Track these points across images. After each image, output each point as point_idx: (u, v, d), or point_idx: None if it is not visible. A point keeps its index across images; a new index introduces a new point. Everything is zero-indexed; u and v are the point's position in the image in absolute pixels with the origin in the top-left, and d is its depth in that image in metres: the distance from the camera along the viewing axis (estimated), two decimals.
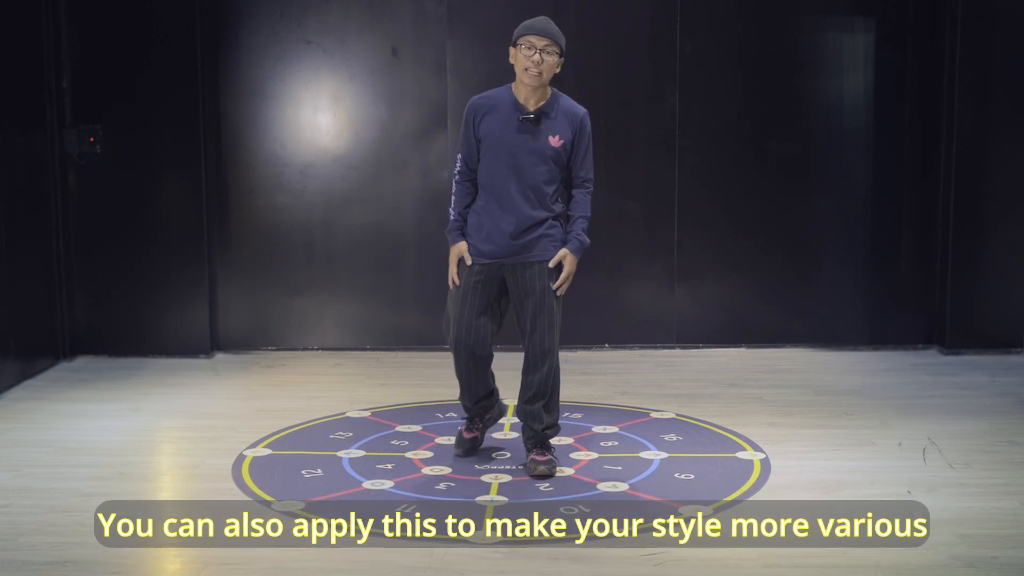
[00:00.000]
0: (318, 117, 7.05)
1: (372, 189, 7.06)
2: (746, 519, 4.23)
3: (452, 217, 4.75)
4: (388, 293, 7.15)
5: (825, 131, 7.05)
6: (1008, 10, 6.78)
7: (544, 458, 4.74)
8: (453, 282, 4.71)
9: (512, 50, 4.60)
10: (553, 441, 4.99)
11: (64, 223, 6.79)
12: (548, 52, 4.54)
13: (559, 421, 4.86)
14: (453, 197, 4.77)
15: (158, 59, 6.76)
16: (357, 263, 7.13)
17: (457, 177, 4.75)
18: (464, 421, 5.04)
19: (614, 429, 5.43)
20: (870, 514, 4.23)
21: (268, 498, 4.49)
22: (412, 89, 7.02)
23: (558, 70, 4.62)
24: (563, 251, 4.66)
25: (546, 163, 4.60)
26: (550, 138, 4.59)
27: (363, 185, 7.07)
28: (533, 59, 4.52)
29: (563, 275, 4.67)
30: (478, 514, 4.29)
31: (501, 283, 4.72)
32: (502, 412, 5.10)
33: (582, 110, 4.68)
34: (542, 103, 4.62)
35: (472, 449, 4.98)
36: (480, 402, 4.91)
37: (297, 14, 6.95)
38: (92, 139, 6.73)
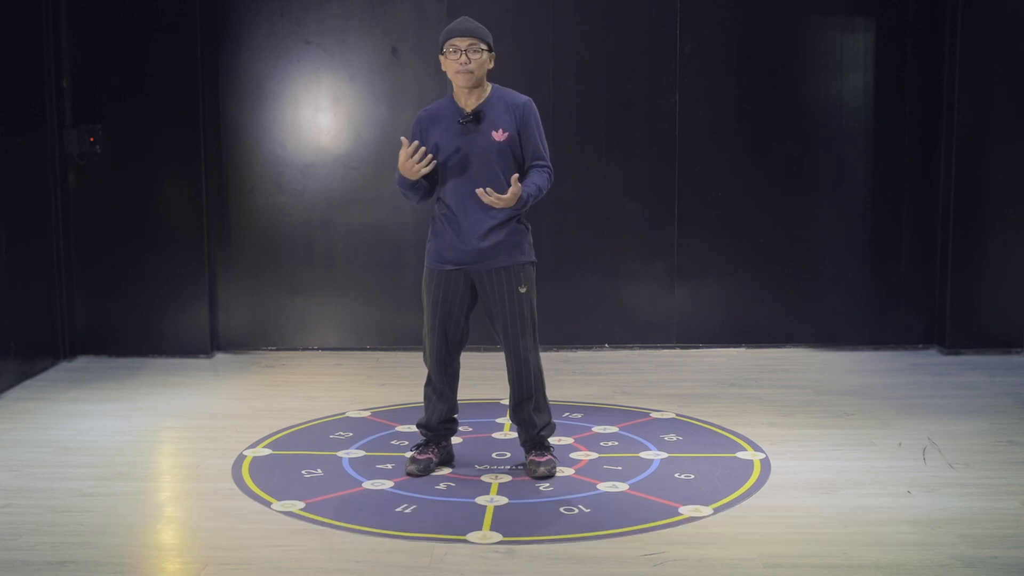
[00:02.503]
0: (318, 117, 7.05)
1: (372, 189, 7.07)
2: (746, 519, 4.24)
3: (398, 177, 4.56)
4: (388, 293, 7.15)
5: (825, 131, 7.05)
6: (1008, 10, 6.78)
7: (544, 459, 4.74)
8: (406, 149, 4.45)
9: (441, 59, 4.58)
10: (553, 441, 4.99)
11: (64, 223, 6.79)
12: (473, 50, 4.50)
13: (552, 419, 4.83)
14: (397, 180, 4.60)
15: (158, 59, 6.77)
16: (357, 263, 7.13)
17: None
18: (418, 446, 4.84)
19: (614, 429, 5.43)
20: (871, 514, 4.24)
21: (268, 498, 4.49)
22: (412, 89, 7.02)
23: (491, 65, 4.58)
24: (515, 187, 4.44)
25: (495, 159, 4.53)
26: (493, 133, 4.53)
27: (363, 185, 7.07)
28: (460, 61, 4.50)
29: (495, 195, 4.40)
30: (478, 514, 4.29)
31: (470, 288, 4.65)
32: (453, 457, 4.94)
33: (523, 98, 4.62)
34: (480, 101, 4.58)
35: (427, 469, 4.75)
36: (444, 423, 4.80)
37: (297, 14, 6.96)
38: (92, 139, 6.74)
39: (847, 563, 3.82)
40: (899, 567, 3.78)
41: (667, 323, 7.18)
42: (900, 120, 7.03)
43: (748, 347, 7.15)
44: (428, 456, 4.78)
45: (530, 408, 4.71)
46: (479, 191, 4.45)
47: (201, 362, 6.89)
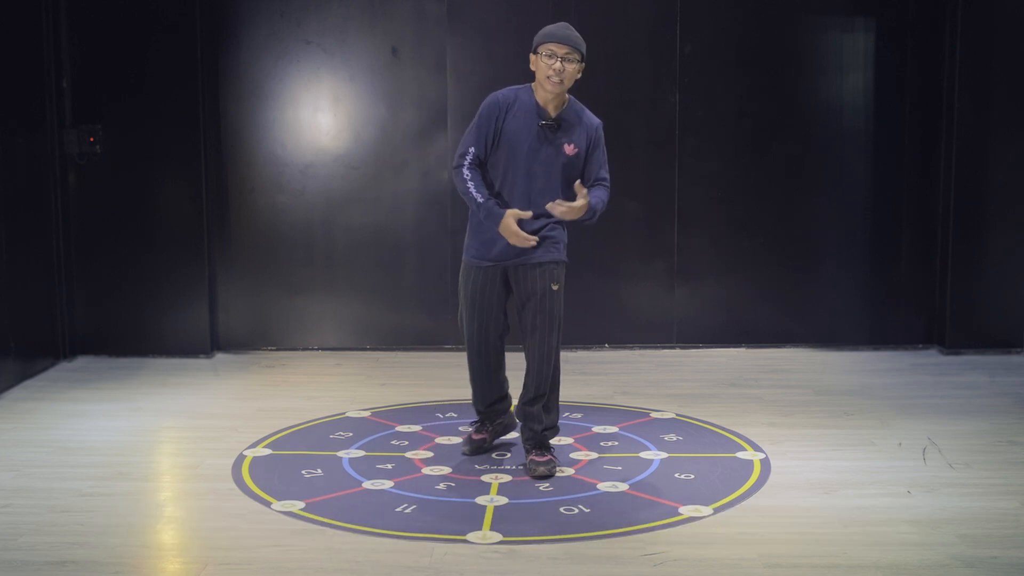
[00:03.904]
0: (318, 117, 7.05)
1: (372, 189, 7.06)
2: (746, 519, 4.24)
3: (482, 199, 4.53)
4: (388, 293, 7.15)
5: (825, 131, 7.05)
6: (1008, 10, 6.78)
7: (544, 459, 4.74)
8: (525, 238, 4.51)
9: (533, 56, 4.61)
10: (553, 441, 4.99)
11: (64, 223, 6.79)
12: (568, 60, 4.54)
13: (559, 422, 4.88)
14: (470, 184, 4.56)
15: (158, 59, 6.77)
16: (357, 263, 7.13)
17: (468, 163, 4.59)
18: (474, 424, 5.08)
19: (614, 429, 5.43)
20: (871, 514, 4.24)
21: (268, 498, 4.49)
22: (412, 89, 7.02)
23: (579, 76, 4.62)
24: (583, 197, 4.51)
25: (559, 170, 4.61)
26: (566, 146, 4.61)
27: (363, 185, 7.07)
28: (554, 67, 4.52)
29: (565, 206, 4.47)
30: (478, 514, 4.29)
31: (505, 283, 4.75)
32: (513, 424, 5.09)
33: (597, 121, 4.72)
34: (561, 109, 4.64)
35: (479, 449, 5.00)
36: (492, 406, 4.98)
37: (297, 14, 6.95)
38: (92, 139, 6.73)
39: (847, 563, 3.82)
40: (899, 567, 3.78)
41: (667, 323, 7.18)
42: (900, 120, 7.03)
43: (748, 347, 7.15)
44: (483, 436, 5.01)
45: (540, 405, 4.76)
46: (549, 205, 4.50)
47: (201, 362, 6.89)
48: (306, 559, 3.90)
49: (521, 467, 4.83)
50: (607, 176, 4.74)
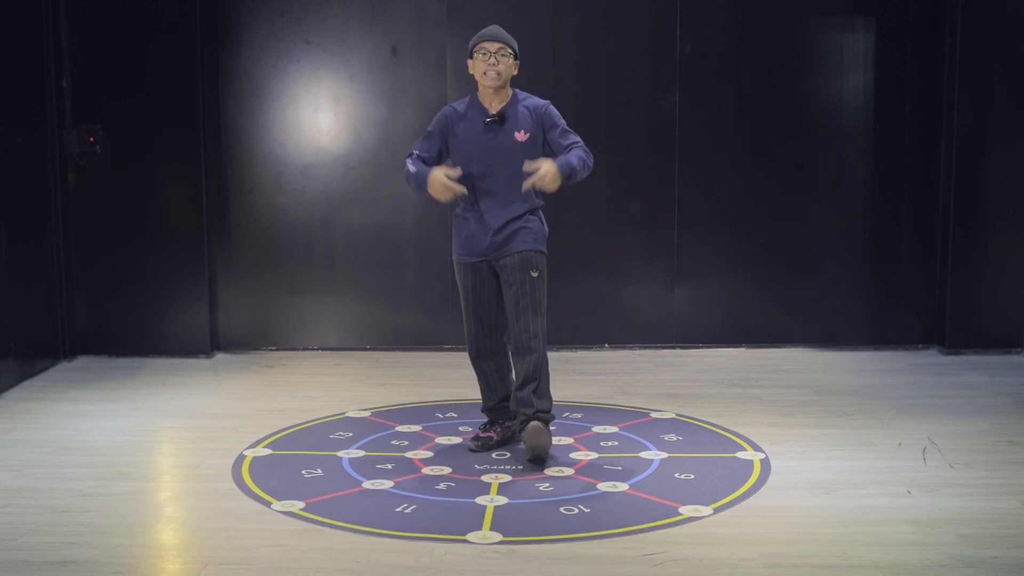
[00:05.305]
0: (318, 117, 7.05)
1: (372, 189, 7.06)
2: (746, 519, 4.24)
3: (415, 169, 4.79)
4: (388, 293, 7.15)
5: (825, 131, 7.05)
6: (1008, 10, 6.78)
7: (540, 425, 4.83)
8: (456, 192, 4.75)
9: (470, 62, 4.88)
10: (553, 440, 5.00)
11: (64, 223, 6.79)
12: (502, 54, 4.82)
13: (552, 411, 4.95)
14: (409, 165, 4.81)
15: (158, 59, 6.77)
16: (357, 263, 7.13)
17: (411, 159, 4.86)
18: (480, 426, 5.19)
19: (614, 429, 5.43)
20: (871, 514, 4.24)
21: (268, 498, 4.49)
22: (412, 89, 7.02)
23: (515, 72, 4.88)
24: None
25: (518, 158, 4.80)
26: (516, 134, 4.83)
27: (363, 185, 7.07)
28: (489, 63, 4.81)
29: (537, 173, 4.62)
30: (478, 514, 4.29)
31: (495, 275, 4.91)
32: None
33: (543, 102, 4.92)
34: (504, 104, 4.86)
35: (485, 446, 5.06)
36: (499, 404, 5.08)
37: (297, 14, 6.95)
38: (92, 139, 6.74)
39: (847, 563, 3.82)
40: (899, 567, 3.78)
41: (667, 323, 7.17)
42: (900, 120, 7.02)
43: (748, 347, 7.15)
44: (489, 435, 5.09)
45: (531, 389, 4.82)
46: (526, 185, 4.70)
47: (201, 362, 6.89)
48: (306, 559, 3.90)
49: (521, 467, 4.83)
50: (577, 139, 4.85)
